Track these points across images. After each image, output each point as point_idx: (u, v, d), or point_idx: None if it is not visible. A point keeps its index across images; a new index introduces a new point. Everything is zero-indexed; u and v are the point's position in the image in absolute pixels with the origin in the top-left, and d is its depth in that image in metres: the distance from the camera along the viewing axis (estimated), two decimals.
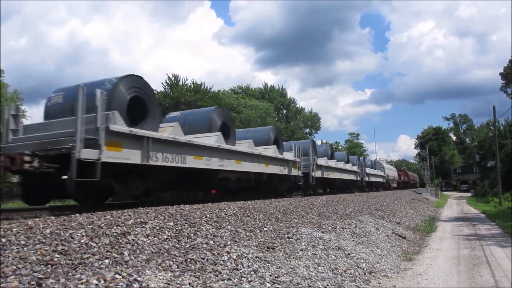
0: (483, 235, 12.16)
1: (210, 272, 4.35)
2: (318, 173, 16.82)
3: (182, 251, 4.85)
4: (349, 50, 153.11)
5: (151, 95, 8.45)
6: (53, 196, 7.80)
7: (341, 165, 21.17)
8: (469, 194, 52.93)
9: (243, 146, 11.48)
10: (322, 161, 17.89)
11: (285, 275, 4.91)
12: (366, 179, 25.66)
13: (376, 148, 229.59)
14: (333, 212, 10.68)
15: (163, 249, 4.74)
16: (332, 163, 19.52)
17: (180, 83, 35.79)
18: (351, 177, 22.98)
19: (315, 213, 9.86)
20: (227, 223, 6.56)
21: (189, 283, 3.91)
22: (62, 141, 6.23)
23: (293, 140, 28.12)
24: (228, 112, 11.92)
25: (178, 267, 4.22)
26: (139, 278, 3.67)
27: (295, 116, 58.94)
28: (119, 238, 4.58)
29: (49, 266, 3.56)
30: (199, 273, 4.22)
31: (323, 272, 5.53)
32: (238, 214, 7.29)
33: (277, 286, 4.56)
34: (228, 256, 4.90)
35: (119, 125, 6.81)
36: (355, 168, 22.19)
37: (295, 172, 14.36)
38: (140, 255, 4.36)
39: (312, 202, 11.40)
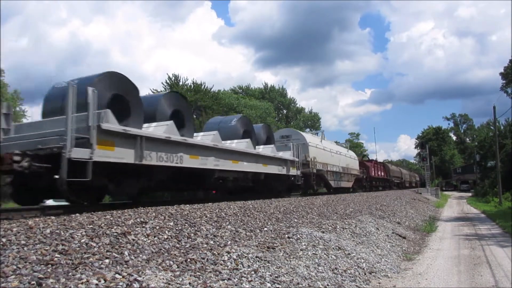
0: (483, 235, 12.16)
1: (210, 272, 4.34)
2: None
3: (182, 251, 4.85)
4: (349, 50, 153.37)
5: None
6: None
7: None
8: (470, 194, 52.98)
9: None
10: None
11: (285, 275, 4.91)
12: (181, 163, 8.24)
13: (376, 148, 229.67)
14: (333, 212, 10.68)
15: (163, 249, 4.74)
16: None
17: (180, 83, 35.81)
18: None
19: (315, 213, 9.86)
20: (227, 223, 6.56)
21: (189, 283, 3.91)
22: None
23: None
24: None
25: (178, 267, 4.22)
26: (139, 278, 3.68)
27: (295, 116, 58.97)
28: (119, 238, 4.59)
29: (50, 266, 3.56)
30: (199, 273, 4.22)
31: (323, 272, 5.53)
32: (238, 214, 7.30)
33: (277, 286, 4.56)
34: (228, 256, 4.90)
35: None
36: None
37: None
38: (140, 255, 4.36)
39: (312, 202, 11.40)
